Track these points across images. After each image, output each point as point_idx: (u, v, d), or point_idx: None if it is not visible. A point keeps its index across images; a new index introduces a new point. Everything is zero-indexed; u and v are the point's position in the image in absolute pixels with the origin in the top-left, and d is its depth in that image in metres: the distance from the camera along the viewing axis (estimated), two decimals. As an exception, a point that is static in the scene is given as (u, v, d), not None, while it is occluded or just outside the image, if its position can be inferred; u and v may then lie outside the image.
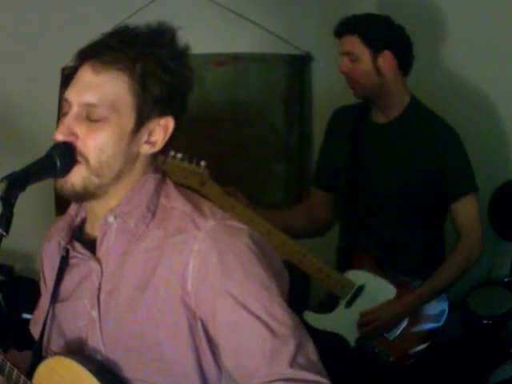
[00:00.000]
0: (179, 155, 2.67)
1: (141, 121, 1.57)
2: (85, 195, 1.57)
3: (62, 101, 1.59)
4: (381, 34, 2.79)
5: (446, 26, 3.40)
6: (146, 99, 1.56)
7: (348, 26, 2.81)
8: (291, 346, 1.48)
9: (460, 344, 3.09)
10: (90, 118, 1.54)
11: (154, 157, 1.63)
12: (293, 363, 1.47)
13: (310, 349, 1.52)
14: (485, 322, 3.08)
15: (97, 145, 1.53)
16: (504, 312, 3.07)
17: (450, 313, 2.90)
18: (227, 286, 1.50)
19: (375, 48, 2.78)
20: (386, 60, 2.79)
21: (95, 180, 1.55)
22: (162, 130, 1.59)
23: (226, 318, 1.51)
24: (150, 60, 1.56)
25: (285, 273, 1.65)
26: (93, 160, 1.54)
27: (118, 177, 1.58)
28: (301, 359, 1.49)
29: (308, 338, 1.53)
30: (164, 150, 1.62)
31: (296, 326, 1.52)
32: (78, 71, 1.58)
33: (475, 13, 3.33)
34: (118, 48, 1.56)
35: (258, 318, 1.49)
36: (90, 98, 1.54)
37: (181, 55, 1.62)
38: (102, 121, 1.54)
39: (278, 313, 1.51)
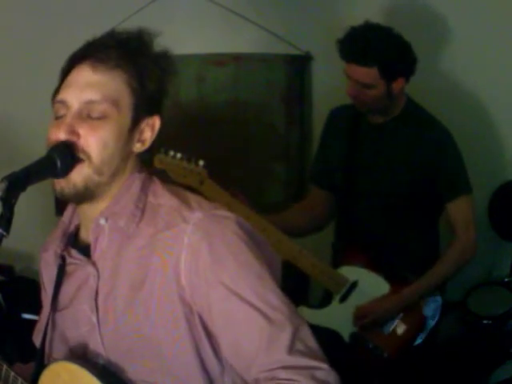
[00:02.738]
0: (178, 155, 2.71)
1: (136, 118, 1.59)
2: (85, 195, 1.57)
3: (54, 103, 1.59)
4: (399, 65, 2.76)
5: (446, 29, 3.40)
6: (142, 95, 1.59)
7: (366, 58, 2.72)
8: (288, 333, 1.47)
9: (460, 344, 3.09)
10: (92, 115, 1.55)
11: (139, 157, 1.64)
12: (291, 350, 1.46)
13: (308, 334, 1.50)
14: (485, 322, 3.08)
15: (100, 141, 1.54)
16: (504, 312, 3.07)
17: (450, 313, 2.91)
18: (219, 276, 1.50)
19: (392, 78, 2.76)
20: (399, 84, 2.78)
21: (96, 178, 1.56)
22: (149, 129, 1.62)
23: (220, 308, 1.50)
24: (144, 57, 1.60)
25: (276, 258, 1.64)
26: (95, 157, 1.54)
27: (114, 175, 1.59)
28: (299, 345, 1.47)
29: (304, 324, 1.52)
30: (150, 150, 1.64)
31: (291, 311, 1.51)
32: (73, 72, 1.58)
33: (475, 17, 3.34)
34: (114, 46, 1.58)
35: (252, 305, 1.48)
36: (93, 95, 1.55)
37: (167, 55, 1.63)
38: (103, 118, 1.55)
39: (273, 299, 1.50)
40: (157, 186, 1.64)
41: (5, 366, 1.68)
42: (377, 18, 2.80)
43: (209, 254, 1.51)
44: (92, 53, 1.58)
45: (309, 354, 1.47)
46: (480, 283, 3.23)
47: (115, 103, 1.56)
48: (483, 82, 3.38)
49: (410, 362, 2.84)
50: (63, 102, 1.57)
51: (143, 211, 1.59)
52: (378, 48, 2.72)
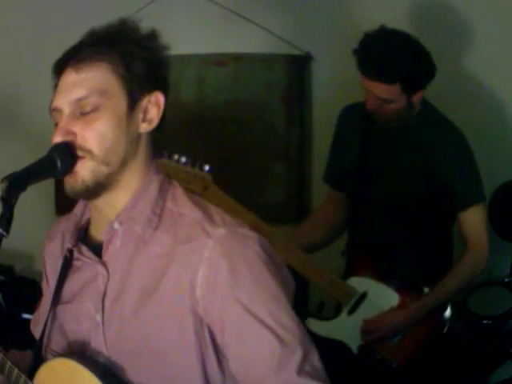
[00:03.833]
0: (183, 159, 2.63)
1: (133, 100, 1.58)
2: (97, 189, 1.56)
3: (50, 113, 1.60)
4: (420, 78, 2.71)
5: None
6: (132, 78, 1.58)
7: (388, 76, 2.66)
8: (298, 355, 1.49)
9: (460, 344, 3.09)
10: (84, 111, 1.55)
11: (153, 139, 1.63)
12: (300, 371, 1.49)
13: (315, 357, 1.53)
14: (485, 322, 3.08)
15: (97, 133, 1.54)
16: (504, 312, 3.07)
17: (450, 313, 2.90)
18: (236, 294, 1.51)
19: (413, 92, 2.71)
20: (419, 96, 2.74)
21: (104, 169, 1.55)
22: (154, 106, 1.61)
23: (234, 325, 1.51)
24: (125, 43, 1.60)
25: (291, 280, 1.65)
26: (96, 149, 1.54)
27: (125, 162, 1.57)
28: (307, 367, 1.50)
29: (313, 347, 1.54)
30: (161, 129, 1.63)
31: (303, 334, 1.53)
32: (60, 79, 1.60)
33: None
34: (92, 44, 1.59)
35: (266, 325, 1.50)
36: (79, 92, 1.55)
37: (152, 35, 1.63)
38: (95, 110, 1.55)
39: (286, 321, 1.52)
40: (177, 191, 1.63)
41: (1, 355, 1.69)
42: (380, 17, 2.77)
43: (228, 271, 1.51)
44: (72, 56, 1.58)
45: (316, 376, 1.50)
46: (480, 283, 3.22)
47: (104, 93, 1.55)
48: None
49: (419, 369, 2.80)
50: (56, 110, 1.58)
51: (160, 217, 1.58)
52: (399, 65, 2.65)
